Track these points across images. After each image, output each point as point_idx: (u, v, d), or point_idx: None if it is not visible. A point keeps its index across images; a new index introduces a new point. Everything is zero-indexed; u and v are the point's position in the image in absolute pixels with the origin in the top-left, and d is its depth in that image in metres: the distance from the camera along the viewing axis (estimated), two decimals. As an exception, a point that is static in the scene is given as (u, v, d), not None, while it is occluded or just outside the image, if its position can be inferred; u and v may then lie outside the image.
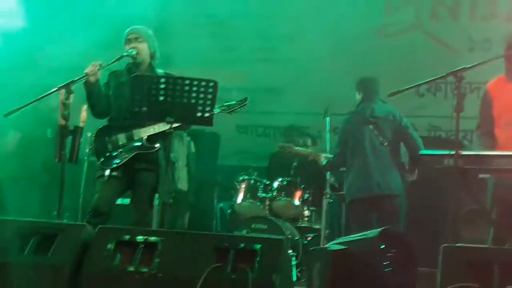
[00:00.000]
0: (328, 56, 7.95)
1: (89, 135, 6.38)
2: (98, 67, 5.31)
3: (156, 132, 5.46)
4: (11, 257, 3.62)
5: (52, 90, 5.14)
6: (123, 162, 5.45)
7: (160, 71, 5.61)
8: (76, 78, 5.15)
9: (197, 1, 9.03)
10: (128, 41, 5.55)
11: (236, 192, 7.58)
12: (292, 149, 7.36)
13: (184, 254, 3.64)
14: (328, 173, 7.07)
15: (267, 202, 7.49)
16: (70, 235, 3.70)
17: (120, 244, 3.70)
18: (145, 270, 3.57)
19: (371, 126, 6.51)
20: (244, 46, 8.86)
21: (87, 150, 7.35)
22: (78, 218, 7.35)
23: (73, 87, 5.08)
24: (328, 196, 7.02)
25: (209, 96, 4.89)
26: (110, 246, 3.67)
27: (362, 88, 6.73)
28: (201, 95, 4.88)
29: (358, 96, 6.73)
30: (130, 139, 5.48)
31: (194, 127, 5.79)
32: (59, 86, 5.06)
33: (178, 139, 6.97)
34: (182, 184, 7.27)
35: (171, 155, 5.39)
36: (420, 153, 4.95)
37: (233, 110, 5.73)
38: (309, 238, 7.34)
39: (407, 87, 4.67)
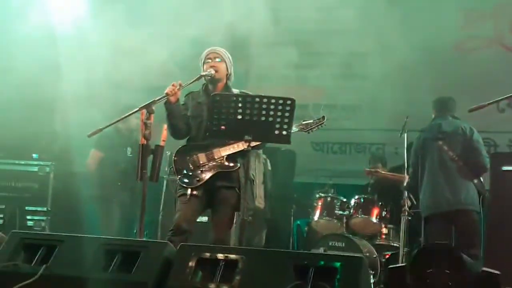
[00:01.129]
0: (405, 72, 7.89)
1: (168, 153, 6.51)
2: (178, 87, 5.39)
3: (235, 150, 5.51)
4: (95, 274, 3.70)
5: (133, 110, 5.26)
6: (204, 181, 5.51)
7: (235, 90, 5.66)
8: (157, 98, 5.25)
9: (274, 19, 9.08)
10: (207, 61, 5.62)
11: (313, 209, 7.58)
12: (379, 174, 7.42)
13: (264, 272, 3.65)
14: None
15: (344, 220, 7.46)
16: (153, 253, 3.76)
17: (201, 261, 3.74)
18: (225, 287, 3.60)
19: (440, 142, 6.48)
20: (321, 64, 8.86)
21: (166, 169, 7.50)
22: (157, 235, 7.48)
23: (153, 107, 5.19)
24: (406, 213, 6.94)
25: (287, 114, 4.92)
26: (191, 263, 3.71)
27: (436, 106, 6.78)
28: (279, 113, 4.92)
29: (433, 115, 6.78)
30: (210, 158, 5.54)
31: (270, 144, 5.82)
32: (140, 106, 5.18)
33: (255, 156, 7.02)
34: (259, 201, 7.31)
35: (250, 173, 5.43)
36: (503, 169, 4.88)
37: (310, 129, 5.74)
38: (387, 256, 7.26)
39: (487, 103, 4.61)
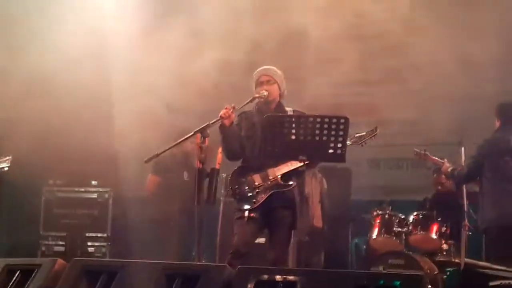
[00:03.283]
0: (460, 84, 7.78)
1: (224, 176, 6.55)
2: (231, 110, 5.43)
3: (289, 169, 5.51)
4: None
5: (188, 135, 5.32)
6: (261, 202, 5.52)
7: (289, 109, 5.67)
8: (211, 122, 5.30)
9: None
10: (260, 83, 5.64)
11: (371, 227, 7.51)
12: (428, 157, 7.31)
13: (323, 292, 3.64)
14: (465, 204, 6.91)
15: (403, 237, 7.37)
16: (213, 276, 3.78)
17: (259, 283, 3.74)
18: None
19: (506, 158, 6.32)
20: (374, 78, 8.81)
21: (222, 191, 7.53)
22: (215, 259, 7.50)
23: (208, 131, 5.24)
24: (466, 228, 6.83)
25: (341, 133, 4.91)
26: (250, 286, 3.72)
27: (501, 114, 6.54)
28: (333, 132, 4.91)
29: (497, 123, 6.54)
30: (265, 178, 5.55)
31: (325, 163, 5.81)
32: (195, 130, 5.23)
33: (311, 176, 7.00)
34: (317, 221, 7.28)
35: (306, 191, 5.43)
36: None
37: (364, 141, 5.72)
38: (448, 273, 7.14)
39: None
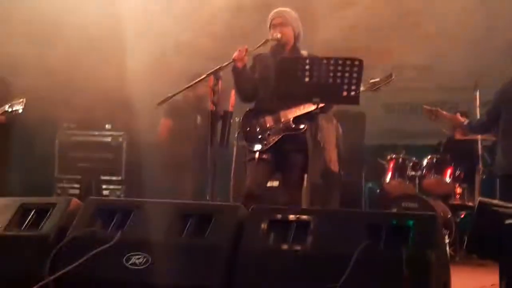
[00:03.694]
0: (475, 29, 7.68)
1: (237, 120, 6.54)
2: (244, 52, 5.40)
3: (302, 113, 5.50)
4: (170, 238, 3.77)
5: (201, 77, 5.31)
6: (272, 144, 5.53)
7: (304, 52, 5.63)
8: (224, 64, 5.28)
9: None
10: (273, 25, 5.59)
11: (385, 171, 7.52)
12: (439, 113, 7.10)
13: (336, 232, 3.65)
14: (479, 148, 6.87)
15: (417, 180, 7.38)
16: (226, 216, 3.79)
17: (273, 223, 3.75)
18: (298, 248, 3.61)
19: None
20: (388, 24, 8.72)
21: (236, 134, 7.54)
22: (229, 201, 7.55)
23: (221, 73, 5.22)
24: (480, 172, 6.81)
25: (355, 75, 4.88)
26: (263, 225, 3.74)
27: None
28: (347, 74, 4.88)
29: None
30: (277, 121, 5.54)
31: (339, 107, 5.78)
32: (207, 73, 5.21)
33: (326, 120, 6.97)
34: (334, 165, 7.27)
35: (318, 135, 5.42)
36: None
37: (378, 87, 5.68)
38: (462, 216, 7.16)
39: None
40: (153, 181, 7.66)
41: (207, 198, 7.09)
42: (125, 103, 7.81)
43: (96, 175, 8.42)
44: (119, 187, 8.37)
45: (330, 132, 7.23)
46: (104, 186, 8.42)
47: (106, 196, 8.23)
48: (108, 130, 8.56)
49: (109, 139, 8.52)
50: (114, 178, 8.41)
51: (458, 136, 7.32)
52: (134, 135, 8.36)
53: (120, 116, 8.33)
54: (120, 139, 8.48)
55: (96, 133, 8.57)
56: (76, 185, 8.39)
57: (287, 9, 5.66)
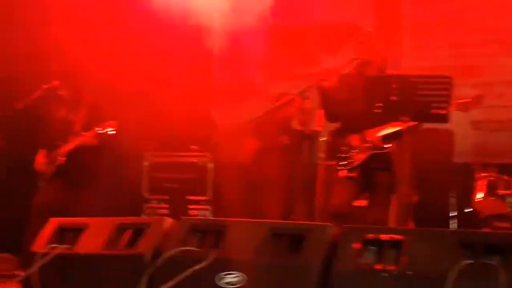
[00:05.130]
0: None
1: (323, 139, 6.55)
2: (331, 72, 5.42)
3: (390, 132, 5.46)
4: (263, 257, 3.80)
5: (288, 97, 5.35)
6: (358, 163, 5.51)
7: (390, 72, 5.61)
8: (311, 84, 5.31)
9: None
10: (361, 44, 5.59)
11: (475, 189, 7.36)
12: None
13: (430, 251, 3.61)
14: None
15: (509, 199, 7.19)
16: (317, 236, 3.80)
17: (365, 242, 3.74)
18: (392, 268, 3.59)
19: None
20: (473, 41, 8.58)
21: (322, 154, 7.52)
22: (314, 221, 7.52)
23: (308, 93, 5.26)
24: None
25: (444, 92, 4.83)
26: (355, 245, 3.73)
27: None
28: (435, 92, 4.84)
29: None
30: (364, 139, 5.52)
31: (427, 125, 5.70)
32: (295, 93, 5.25)
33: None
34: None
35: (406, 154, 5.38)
36: None
37: (468, 108, 5.59)
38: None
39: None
40: (239, 201, 7.71)
41: (292, 217, 7.13)
42: (211, 124, 7.92)
43: (183, 195, 8.53)
44: (206, 207, 8.46)
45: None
46: (191, 207, 8.51)
47: (193, 215, 8.32)
48: (194, 151, 8.67)
49: (195, 159, 8.63)
50: (200, 198, 8.50)
51: None
52: (220, 156, 8.44)
53: (206, 138, 8.45)
54: (206, 160, 8.57)
55: (182, 154, 8.70)
56: (164, 205, 8.52)
57: (371, 30, 5.66)
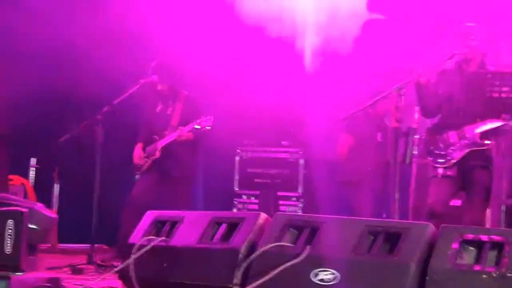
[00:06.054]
0: None
1: (417, 137, 6.42)
2: (430, 68, 5.32)
3: (488, 128, 5.31)
4: (358, 255, 3.76)
5: (384, 94, 5.28)
6: (455, 160, 5.38)
7: (490, 68, 5.45)
8: (407, 80, 5.22)
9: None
10: (461, 39, 5.46)
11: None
12: None
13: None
14: None
15: None
16: (415, 234, 3.73)
17: (464, 243, 3.65)
18: (492, 269, 3.49)
19: None
20: None
21: (415, 151, 7.38)
22: (407, 220, 7.39)
23: (404, 90, 5.17)
24: None
25: (548, 89, 4.67)
26: (454, 245, 3.64)
27: None
28: (540, 89, 4.68)
29: None
30: (462, 136, 5.39)
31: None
32: (391, 89, 5.18)
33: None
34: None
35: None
36: None
37: None
38: None
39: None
40: (330, 198, 7.66)
41: (383, 216, 7.03)
42: (302, 119, 7.89)
43: (274, 190, 8.56)
44: (297, 203, 8.46)
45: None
46: (281, 202, 8.53)
47: (284, 211, 8.33)
48: (285, 146, 8.68)
49: (286, 155, 8.64)
50: (291, 194, 8.50)
51: None
52: (311, 152, 8.42)
53: (297, 133, 8.44)
54: (297, 156, 8.57)
55: (274, 149, 8.72)
56: (255, 200, 8.57)
57: (476, 24, 5.51)
